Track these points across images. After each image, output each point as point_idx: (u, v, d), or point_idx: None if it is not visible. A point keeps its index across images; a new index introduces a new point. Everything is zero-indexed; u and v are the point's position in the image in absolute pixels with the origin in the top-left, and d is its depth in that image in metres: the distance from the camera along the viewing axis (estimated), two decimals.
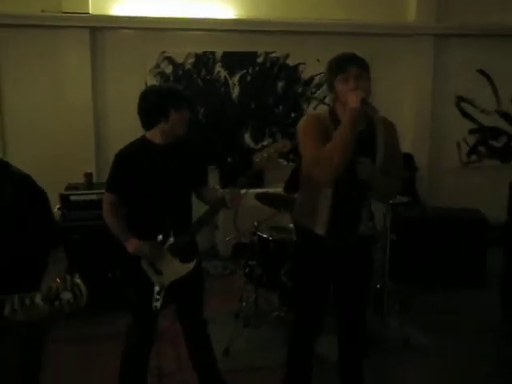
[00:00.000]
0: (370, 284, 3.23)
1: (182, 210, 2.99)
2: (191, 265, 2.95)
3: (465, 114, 6.70)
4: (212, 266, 5.68)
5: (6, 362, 2.23)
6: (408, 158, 6.23)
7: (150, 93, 2.99)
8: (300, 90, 6.34)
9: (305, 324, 3.03)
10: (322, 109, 6.11)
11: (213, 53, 6.06)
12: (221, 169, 5.91)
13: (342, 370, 3.13)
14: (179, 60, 5.98)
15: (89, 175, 4.95)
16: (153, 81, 5.88)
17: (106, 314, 4.30)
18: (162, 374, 3.12)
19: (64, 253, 2.29)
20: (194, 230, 2.95)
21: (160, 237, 2.88)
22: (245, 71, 6.18)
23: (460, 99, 6.65)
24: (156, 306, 2.74)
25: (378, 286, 4.33)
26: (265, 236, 4.27)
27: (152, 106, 2.88)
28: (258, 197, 4.45)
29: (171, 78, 5.98)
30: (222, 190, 3.14)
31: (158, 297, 2.74)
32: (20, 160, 2.69)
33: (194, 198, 3.11)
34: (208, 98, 6.11)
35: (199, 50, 6.02)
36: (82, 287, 2.00)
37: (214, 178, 5.54)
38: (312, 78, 6.30)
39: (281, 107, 6.34)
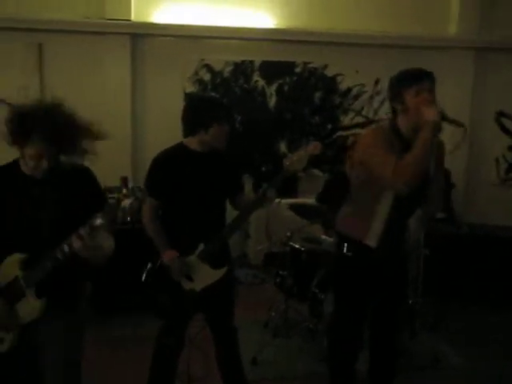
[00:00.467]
0: (404, 297, 3.25)
1: (215, 217, 2.99)
2: (222, 271, 2.94)
3: (504, 130, 6.55)
4: (243, 274, 5.68)
5: (50, 346, 2.30)
6: (445, 174, 6.13)
7: (195, 102, 3.03)
8: (337, 101, 6.31)
9: (347, 339, 3.01)
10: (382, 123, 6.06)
11: (251, 62, 6.09)
12: (254, 177, 5.93)
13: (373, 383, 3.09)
14: (218, 68, 6.03)
15: (124, 179, 5.02)
16: (191, 88, 5.94)
17: (135, 317, 4.34)
18: (191, 379, 3.13)
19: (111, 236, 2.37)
20: (224, 236, 2.95)
21: (199, 249, 2.90)
22: (282, 81, 6.19)
23: (500, 115, 6.51)
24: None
25: (410, 301, 4.26)
26: (297, 246, 4.26)
27: (195, 116, 2.91)
28: (292, 207, 4.44)
29: (209, 86, 6.02)
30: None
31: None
32: None
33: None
34: (245, 107, 6.14)
35: (238, 59, 6.06)
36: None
37: (247, 187, 5.55)
38: (349, 90, 6.28)
39: (317, 118, 6.32)
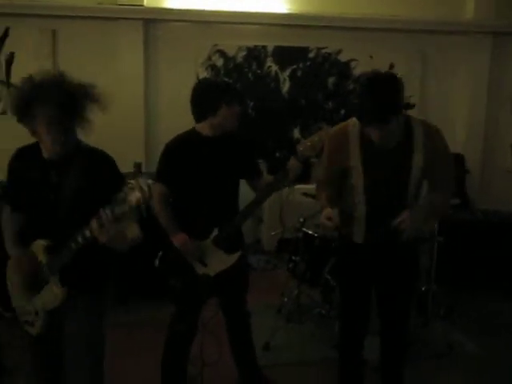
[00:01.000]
0: (412, 286, 3.12)
1: (229, 202, 3.00)
2: (235, 256, 2.95)
3: None
4: (256, 260, 5.70)
5: (73, 333, 2.34)
6: (459, 159, 6.08)
7: (202, 86, 3.02)
8: (351, 86, 6.26)
9: (350, 327, 3.00)
10: None
11: (264, 47, 6.06)
12: (269, 163, 5.92)
13: (383, 371, 3.08)
14: (231, 53, 6.00)
15: (138, 165, 5.03)
16: (204, 73, 5.92)
17: (148, 302, 4.38)
18: (204, 363, 3.15)
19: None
20: (238, 221, 2.95)
21: (213, 234, 2.91)
22: (296, 66, 6.16)
23: None
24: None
25: (423, 288, 4.24)
26: (310, 232, 4.26)
27: (203, 99, 2.91)
28: (306, 192, 4.43)
29: (222, 71, 6.01)
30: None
31: None
32: None
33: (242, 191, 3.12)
34: (258, 92, 6.11)
35: (251, 44, 6.03)
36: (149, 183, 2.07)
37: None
38: None
39: (331, 103, 6.28)
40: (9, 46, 5.59)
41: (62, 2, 5.52)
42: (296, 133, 6.28)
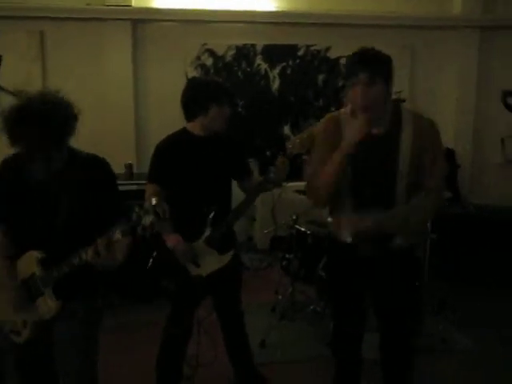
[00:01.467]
0: (412, 294, 2.89)
1: (221, 202, 2.99)
2: (228, 256, 2.95)
3: (510, 109, 6.51)
4: (249, 258, 5.69)
5: (64, 340, 2.31)
6: (449, 154, 6.11)
7: (193, 85, 3.01)
8: (341, 83, 6.28)
9: (344, 336, 2.84)
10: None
11: (253, 45, 6.06)
12: (260, 162, 5.91)
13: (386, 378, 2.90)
14: (220, 52, 6.00)
15: (129, 166, 5.02)
16: (193, 73, 5.92)
17: (142, 305, 4.38)
18: (199, 363, 3.15)
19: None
20: (229, 221, 2.94)
21: (205, 235, 2.90)
22: (285, 64, 6.16)
23: (506, 94, 6.46)
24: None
25: (417, 283, 4.24)
26: (303, 230, 4.26)
27: (194, 98, 2.90)
28: (299, 189, 4.43)
29: (212, 71, 6.00)
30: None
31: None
32: None
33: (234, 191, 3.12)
34: (248, 91, 6.12)
35: (240, 43, 6.03)
36: (165, 206, 2.04)
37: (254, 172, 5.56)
38: None
39: (321, 100, 6.29)
40: None
41: (49, 4, 5.50)
42: (286, 130, 6.28)
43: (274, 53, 6.11)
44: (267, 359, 3.71)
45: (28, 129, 2.02)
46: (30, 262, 2.26)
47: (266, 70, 6.14)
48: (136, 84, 5.86)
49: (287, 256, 4.38)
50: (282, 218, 4.49)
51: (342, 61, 6.19)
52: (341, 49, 6.17)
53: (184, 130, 2.97)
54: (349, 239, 2.56)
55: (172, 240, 2.87)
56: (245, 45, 6.04)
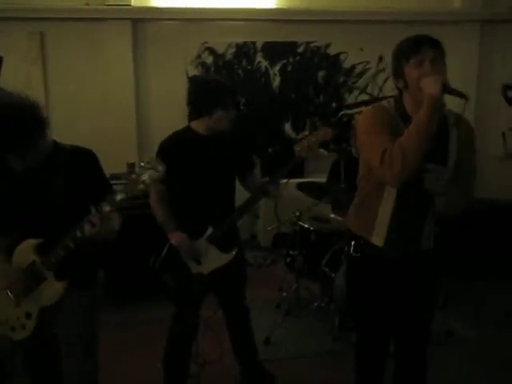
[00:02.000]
0: (434, 301, 2.71)
1: (225, 200, 3.00)
2: (230, 254, 2.95)
3: (511, 103, 6.51)
4: (252, 256, 5.70)
5: (66, 323, 2.35)
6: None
7: (198, 86, 3.00)
8: (341, 79, 6.29)
9: (370, 351, 2.65)
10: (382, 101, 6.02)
11: (253, 43, 6.06)
12: (261, 159, 5.92)
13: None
14: (220, 50, 6.00)
15: (131, 165, 5.02)
16: (194, 71, 5.92)
17: (145, 302, 4.39)
18: (205, 361, 3.16)
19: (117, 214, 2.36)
20: (232, 220, 2.94)
21: (207, 232, 2.91)
22: (285, 61, 6.16)
23: (507, 88, 6.46)
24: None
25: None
26: (306, 226, 4.27)
27: (198, 100, 2.90)
28: (300, 187, 4.44)
29: (212, 69, 6.00)
30: (261, 179, 3.13)
31: None
32: None
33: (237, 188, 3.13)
34: (248, 88, 6.12)
35: (240, 41, 6.03)
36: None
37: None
38: (353, 67, 6.25)
39: (321, 97, 6.29)
40: None
41: (49, 4, 5.50)
42: (287, 127, 6.29)
43: (274, 50, 6.11)
44: (272, 356, 3.72)
45: None
46: (27, 251, 2.28)
47: (266, 67, 6.14)
48: (137, 83, 5.86)
49: (291, 252, 4.39)
50: (284, 215, 4.50)
51: (343, 57, 6.21)
52: (340, 45, 6.19)
53: (188, 129, 2.98)
54: (379, 242, 2.41)
55: (176, 237, 2.88)
56: (245, 42, 6.04)
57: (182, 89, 5.81)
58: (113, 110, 5.75)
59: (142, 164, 2.12)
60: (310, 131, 6.02)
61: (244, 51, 6.06)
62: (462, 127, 2.41)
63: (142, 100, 5.94)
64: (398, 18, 6.08)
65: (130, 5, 5.67)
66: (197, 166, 2.89)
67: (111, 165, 5.12)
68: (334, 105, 6.30)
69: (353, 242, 2.53)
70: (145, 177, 2.09)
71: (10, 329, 2.35)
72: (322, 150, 4.28)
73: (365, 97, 6.29)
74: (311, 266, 4.21)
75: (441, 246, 4.29)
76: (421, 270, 2.50)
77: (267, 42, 6.08)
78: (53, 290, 2.27)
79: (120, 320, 4.21)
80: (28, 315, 2.32)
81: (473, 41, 6.28)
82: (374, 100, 6.24)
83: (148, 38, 5.88)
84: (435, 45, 2.32)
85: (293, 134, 6.26)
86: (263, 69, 6.14)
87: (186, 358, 3.14)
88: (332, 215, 4.59)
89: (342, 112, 6.23)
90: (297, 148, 2.77)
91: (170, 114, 5.69)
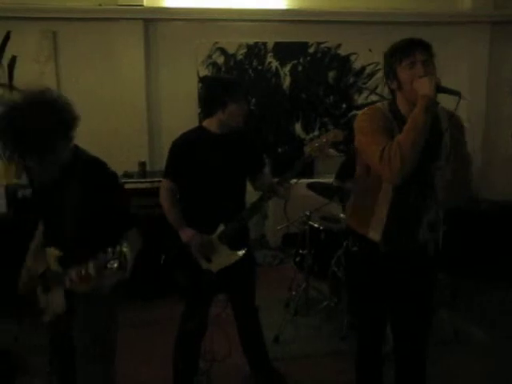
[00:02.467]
0: (432, 294, 2.73)
1: (236, 198, 3.03)
2: (240, 253, 2.97)
3: None
4: (261, 255, 5.71)
5: (83, 336, 2.38)
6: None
7: (211, 82, 3.05)
8: (351, 80, 6.30)
9: (368, 336, 2.81)
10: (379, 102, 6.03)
11: (264, 43, 6.08)
12: (272, 159, 5.95)
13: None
14: (231, 51, 6.03)
15: (142, 164, 5.07)
16: (205, 71, 5.95)
17: (156, 301, 4.43)
18: (214, 358, 3.19)
19: (137, 234, 2.31)
20: (243, 218, 2.97)
21: (218, 230, 2.93)
22: (296, 61, 6.18)
23: None
24: None
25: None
26: (316, 225, 4.29)
27: (212, 95, 2.94)
28: (310, 186, 4.46)
29: (223, 69, 6.03)
30: (271, 179, 3.16)
31: None
32: None
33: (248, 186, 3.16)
34: (259, 89, 6.14)
35: (251, 41, 6.05)
36: (128, 255, 2.01)
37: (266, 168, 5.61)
38: (363, 68, 6.25)
39: (332, 97, 6.31)
40: (10, 49, 5.62)
41: (62, 4, 5.55)
42: (297, 127, 6.30)
43: (284, 50, 6.13)
44: (281, 354, 3.74)
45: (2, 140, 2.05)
46: (49, 257, 2.32)
47: (276, 67, 6.16)
48: (148, 83, 5.90)
49: (300, 252, 4.41)
50: (293, 215, 4.51)
51: (353, 57, 6.22)
52: (351, 46, 6.19)
53: (200, 127, 3.01)
54: (376, 237, 2.49)
55: (187, 234, 2.90)
56: (256, 43, 6.06)
57: (193, 88, 5.90)
58: (124, 110, 5.79)
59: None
60: (321, 133, 6.05)
61: (255, 51, 6.08)
62: (453, 123, 2.46)
63: (153, 99, 5.97)
64: (408, 20, 6.08)
65: (142, 5, 5.71)
66: (209, 164, 2.91)
67: (123, 163, 5.21)
68: (344, 105, 6.31)
69: (350, 237, 2.65)
70: (111, 264, 2.01)
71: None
72: (331, 151, 4.29)
73: (374, 98, 6.30)
74: (320, 266, 4.23)
75: (449, 245, 4.32)
76: (418, 263, 2.57)
77: (278, 43, 6.10)
78: (55, 303, 2.32)
79: (127, 319, 4.23)
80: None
81: (483, 42, 6.26)
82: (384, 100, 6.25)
83: (159, 37, 5.91)
84: (426, 47, 2.42)
85: (303, 134, 6.28)
86: (274, 69, 6.16)
87: (195, 355, 3.16)
88: (342, 214, 4.60)
89: (352, 113, 6.25)
90: (307, 149, 2.80)
91: (181, 113, 5.74)
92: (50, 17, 5.58)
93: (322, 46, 6.19)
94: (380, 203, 2.49)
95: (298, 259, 4.45)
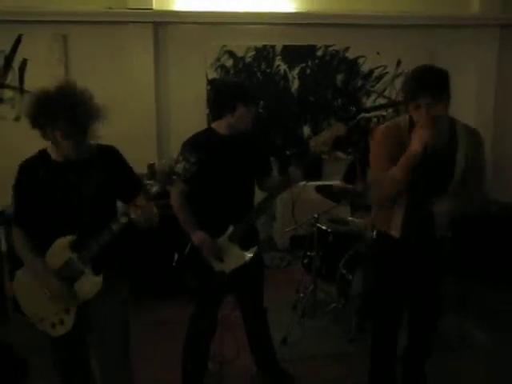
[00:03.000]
0: (442, 279, 3.08)
1: (245, 199, 3.05)
2: (251, 252, 2.99)
3: None
4: (269, 257, 5.72)
5: (114, 320, 2.48)
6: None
7: (220, 86, 3.10)
8: (359, 83, 6.31)
9: (384, 336, 3.05)
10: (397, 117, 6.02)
11: (273, 46, 6.10)
12: (280, 161, 5.96)
13: (406, 363, 3.13)
14: (240, 54, 6.06)
15: (151, 166, 5.10)
16: (213, 74, 5.99)
17: (165, 302, 4.45)
18: (223, 360, 3.21)
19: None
20: (253, 217, 3.00)
21: (229, 231, 2.96)
22: (304, 64, 6.20)
23: None
24: None
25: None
26: (324, 228, 4.30)
27: (221, 98, 2.97)
28: (318, 189, 4.48)
29: (232, 72, 6.06)
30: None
31: None
32: None
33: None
34: (267, 91, 6.16)
35: (259, 44, 6.08)
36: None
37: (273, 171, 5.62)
38: (372, 71, 6.27)
39: (340, 100, 6.33)
40: (21, 52, 5.69)
41: (72, 8, 5.61)
42: (306, 130, 6.32)
43: (293, 53, 6.15)
44: (289, 356, 3.75)
45: (67, 105, 2.20)
46: (61, 249, 2.35)
47: (285, 70, 6.18)
48: (157, 86, 5.94)
49: (308, 254, 4.42)
50: (301, 217, 4.53)
51: (361, 61, 6.23)
52: (359, 49, 6.21)
53: (209, 129, 3.04)
54: (396, 234, 2.78)
55: (198, 236, 2.92)
56: (264, 46, 6.09)
57: (201, 91, 5.93)
58: (134, 112, 5.83)
59: (175, 156, 2.24)
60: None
61: (263, 54, 6.11)
62: (471, 137, 2.71)
63: (163, 102, 6.01)
64: (416, 23, 6.09)
65: (151, 9, 5.76)
66: (218, 166, 2.93)
67: (132, 165, 5.23)
68: (352, 108, 6.32)
69: (374, 233, 2.97)
70: (178, 168, 2.21)
71: (50, 325, 2.43)
72: (339, 153, 4.32)
73: (382, 100, 6.31)
74: (328, 268, 4.23)
75: (457, 250, 4.32)
76: (436, 254, 2.88)
77: (286, 46, 6.12)
78: (91, 284, 2.34)
79: (141, 320, 4.25)
80: (66, 310, 2.39)
81: (491, 45, 6.26)
82: (392, 104, 6.27)
83: (169, 41, 5.96)
84: (434, 90, 2.52)
85: (312, 136, 6.29)
86: (282, 72, 6.18)
87: (204, 356, 3.18)
88: (350, 218, 4.62)
89: (361, 116, 6.26)
90: (312, 143, 2.85)
91: (190, 116, 5.77)
92: (60, 20, 5.64)
93: (330, 49, 6.21)
94: (398, 205, 2.75)
95: (305, 261, 4.46)
